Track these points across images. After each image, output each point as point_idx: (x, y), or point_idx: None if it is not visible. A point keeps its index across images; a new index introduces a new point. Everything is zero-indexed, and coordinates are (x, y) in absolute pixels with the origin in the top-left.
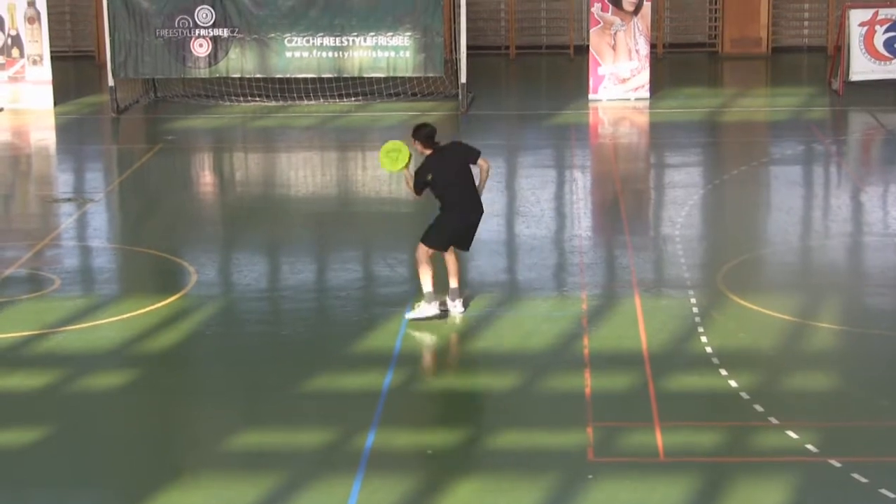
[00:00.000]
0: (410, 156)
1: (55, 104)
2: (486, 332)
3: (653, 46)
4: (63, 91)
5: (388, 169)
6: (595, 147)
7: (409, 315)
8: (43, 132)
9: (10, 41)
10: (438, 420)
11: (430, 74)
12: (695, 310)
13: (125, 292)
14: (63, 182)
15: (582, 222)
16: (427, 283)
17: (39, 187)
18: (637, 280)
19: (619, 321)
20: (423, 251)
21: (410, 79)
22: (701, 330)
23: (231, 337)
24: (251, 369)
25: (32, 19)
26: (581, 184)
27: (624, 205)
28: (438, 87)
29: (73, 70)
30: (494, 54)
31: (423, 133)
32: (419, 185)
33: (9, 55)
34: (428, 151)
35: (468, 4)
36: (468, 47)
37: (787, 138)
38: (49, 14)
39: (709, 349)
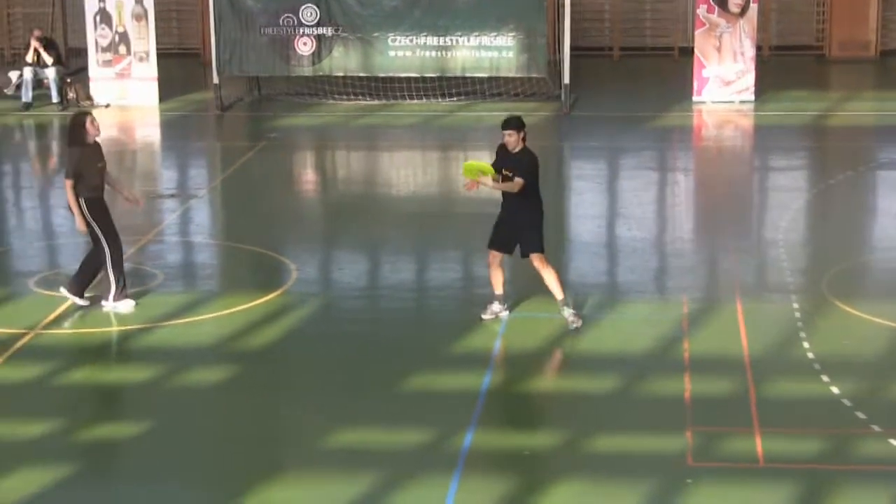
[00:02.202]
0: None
1: (160, 101)
2: (585, 334)
3: (758, 48)
4: (168, 88)
5: (469, 175)
6: (698, 150)
7: (573, 326)
8: (148, 128)
9: (117, 38)
10: (536, 422)
11: (533, 75)
12: (797, 315)
13: (226, 288)
14: (167, 178)
15: (684, 225)
16: (560, 288)
17: (144, 183)
18: (739, 284)
19: (720, 325)
20: (542, 259)
21: (513, 79)
22: (803, 335)
23: (330, 335)
24: (350, 368)
25: (140, 17)
26: (684, 186)
27: (727, 208)
28: (541, 88)
29: (179, 67)
30: (598, 55)
31: (521, 121)
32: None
33: (116, 52)
34: (521, 145)
35: (572, 5)
36: (572, 48)
37: (894, 143)
38: (156, 11)
39: (811, 355)
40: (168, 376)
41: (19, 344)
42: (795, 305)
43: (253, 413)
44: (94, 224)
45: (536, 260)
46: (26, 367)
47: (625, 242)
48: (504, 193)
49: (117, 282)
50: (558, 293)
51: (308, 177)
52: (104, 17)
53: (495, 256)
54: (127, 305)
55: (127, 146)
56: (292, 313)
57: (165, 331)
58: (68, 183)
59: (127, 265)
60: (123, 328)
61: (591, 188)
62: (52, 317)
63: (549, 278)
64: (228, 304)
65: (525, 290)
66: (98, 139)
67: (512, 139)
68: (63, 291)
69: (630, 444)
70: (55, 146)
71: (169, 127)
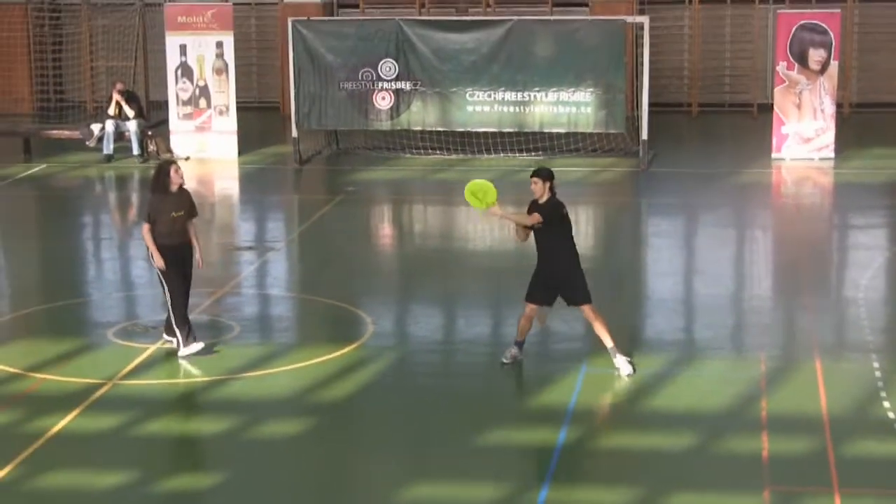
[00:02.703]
0: (496, 194)
1: (240, 154)
2: (661, 390)
3: (839, 105)
4: (248, 141)
5: (475, 206)
6: (777, 207)
7: (626, 373)
8: (227, 181)
9: (198, 92)
10: (612, 478)
11: (612, 131)
12: (878, 374)
13: (303, 341)
14: (245, 231)
15: (762, 283)
16: (609, 336)
17: (222, 235)
18: (818, 342)
19: (798, 384)
20: (592, 308)
21: (591, 134)
22: (883, 395)
23: (405, 388)
24: (424, 421)
25: (220, 71)
26: (762, 244)
27: (805, 266)
28: (619, 144)
29: (258, 120)
30: (676, 111)
31: (549, 172)
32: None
33: (196, 105)
34: (548, 195)
35: (651, 61)
36: (650, 104)
37: None
38: (236, 65)
39: (891, 414)
40: (243, 428)
41: (97, 394)
42: (875, 364)
43: (327, 465)
44: (158, 271)
45: (587, 310)
46: (104, 418)
47: (702, 299)
48: (537, 245)
49: (181, 329)
50: (608, 341)
51: (385, 230)
52: (185, 70)
53: (533, 309)
54: (196, 347)
55: (206, 199)
56: (368, 366)
57: (241, 383)
58: (145, 226)
59: (203, 317)
60: (200, 380)
61: (669, 245)
62: (129, 367)
63: (600, 327)
64: (304, 356)
65: (601, 346)
66: (182, 188)
67: (537, 187)
68: (165, 338)
69: (707, 503)
70: (135, 198)
71: (248, 180)
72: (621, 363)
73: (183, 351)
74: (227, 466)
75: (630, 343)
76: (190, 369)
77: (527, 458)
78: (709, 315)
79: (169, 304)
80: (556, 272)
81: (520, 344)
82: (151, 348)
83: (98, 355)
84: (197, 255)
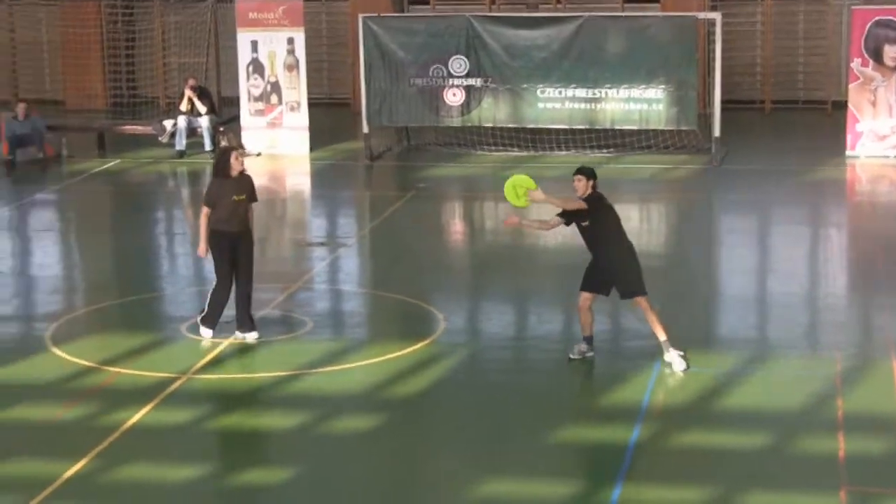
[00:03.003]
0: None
1: (311, 150)
2: (735, 389)
3: None
4: (318, 137)
5: (514, 203)
6: (852, 205)
7: (678, 368)
8: (298, 177)
9: (269, 88)
10: (686, 477)
11: (683, 128)
12: None
13: (374, 337)
14: (316, 226)
15: (837, 280)
16: (662, 329)
17: (293, 231)
18: (893, 341)
19: (874, 383)
20: (646, 301)
21: (663, 132)
22: None
23: (477, 385)
24: (496, 418)
25: (291, 67)
26: (836, 241)
27: (881, 264)
28: (691, 141)
29: (329, 117)
30: (749, 108)
31: (593, 171)
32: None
33: (268, 101)
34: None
35: (723, 58)
36: (722, 101)
37: None
38: (307, 62)
39: None
40: (316, 423)
41: (171, 388)
42: None
43: (399, 461)
44: (212, 255)
45: (640, 302)
46: (178, 412)
47: (776, 297)
48: (586, 241)
49: (209, 309)
50: (661, 334)
51: (456, 227)
52: (257, 67)
53: (587, 299)
54: (205, 333)
55: (277, 195)
56: (440, 363)
57: (314, 378)
58: (204, 211)
59: (276, 312)
60: (273, 374)
61: (742, 242)
62: (203, 362)
63: (653, 320)
64: (376, 352)
65: (674, 344)
66: (244, 174)
67: (580, 185)
68: (237, 335)
69: (782, 503)
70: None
71: (319, 176)
72: (674, 358)
73: (202, 329)
74: (299, 461)
75: (703, 341)
76: (264, 364)
77: (599, 456)
78: (783, 313)
79: (213, 289)
80: (607, 265)
81: (588, 339)
82: (224, 343)
83: (172, 349)
84: (251, 244)
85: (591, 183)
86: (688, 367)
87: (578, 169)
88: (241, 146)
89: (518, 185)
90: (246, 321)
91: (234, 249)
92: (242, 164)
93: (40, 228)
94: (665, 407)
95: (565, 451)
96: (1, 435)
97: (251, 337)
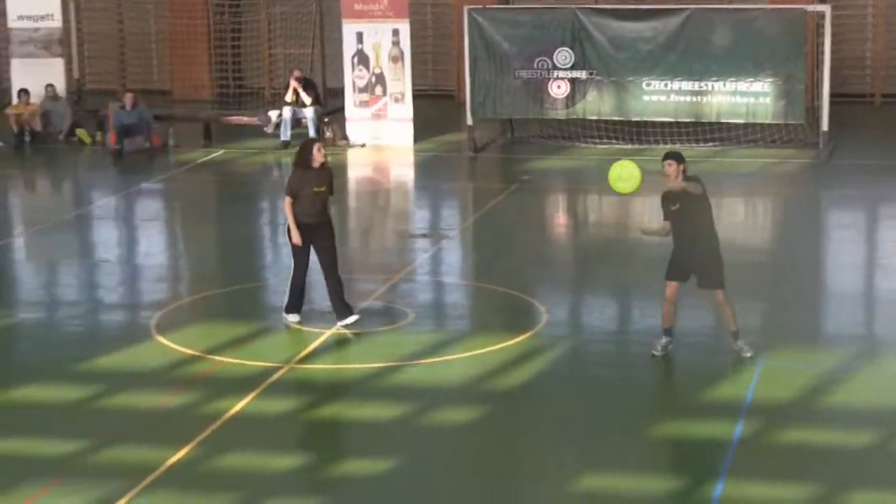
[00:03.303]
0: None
1: (415, 141)
2: (841, 386)
3: None
4: (422, 128)
5: (625, 191)
6: None
7: (747, 355)
8: (402, 168)
9: (373, 79)
10: (789, 474)
11: (790, 122)
12: None
13: (476, 329)
14: (420, 218)
15: None
16: (734, 322)
17: (396, 222)
18: None
19: None
20: (724, 294)
21: (769, 125)
22: None
23: (579, 378)
24: (598, 412)
25: (396, 58)
26: None
27: None
28: (798, 135)
29: (433, 108)
30: (858, 102)
31: (682, 156)
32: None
33: (372, 93)
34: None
35: (832, 51)
36: (831, 94)
37: None
38: (412, 53)
39: None
40: (416, 415)
41: (273, 378)
42: None
43: (499, 453)
44: (289, 243)
45: (720, 295)
46: (280, 401)
47: (884, 294)
48: (679, 226)
49: (289, 296)
50: (732, 325)
51: (559, 219)
52: (362, 58)
53: (675, 288)
54: (291, 318)
55: (381, 186)
56: (541, 355)
57: (415, 369)
58: (287, 200)
59: (378, 304)
60: (374, 365)
61: (849, 237)
62: (305, 352)
63: (729, 313)
64: (478, 344)
65: (779, 340)
66: (325, 166)
67: (672, 169)
68: (338, 325)
69: (886, 501)
70: None
71: (422, 167)
72: (743, 346)
73: (288, 317)
74: (399, 453)
75: (809, 338)
76: (365, 355)
77: (702, 452)
78: (890, 310)
79: (291, 274)
80: (698, 252)
81: (668, 331)
82: (327, 333)
83: (274, 339)
84: (331, 236)
85: (681, 167)
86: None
87: (669, 154)
88: (345, 137)
89: (624, 168)
90: (342, 309)
91: (312, 239)
92: (324, 156)
93: (146, 218)
94: (769, 403)
95: (667, 446)
96: (106, 422)
97: (350, 320)
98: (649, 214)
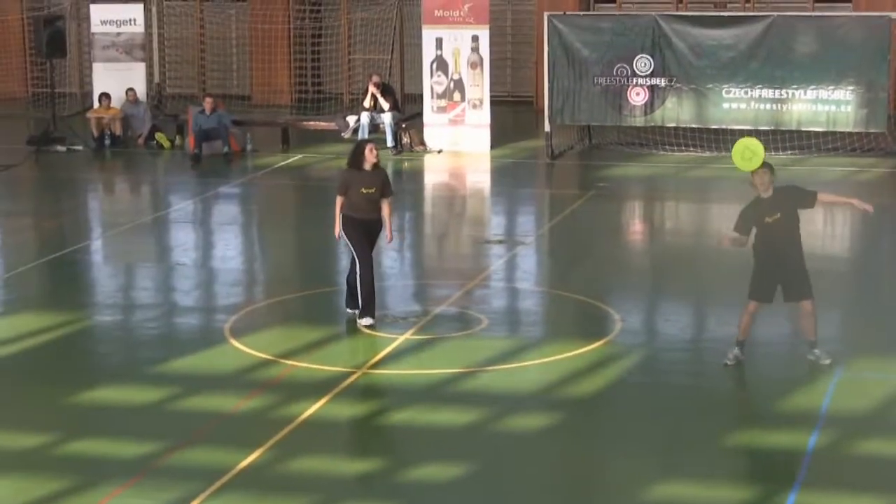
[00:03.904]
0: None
1: (492, 147)
2: None
3: None
4: (500, 135)
5: (747, 168)
6: None
7: (825, 362)
8: (479, 174)
9: (452, 85)
10: (864, 485)
11: (872, 130)
12: None
13: (550, 335)
14: (495, 224)
15: None
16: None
17: (473, 228)
18: None
19: None
20: (813, 303)
21: (850, 134)
22: None
23: (653, 386)
24: (672, 420)
25: (475, 64)
26: None
27: None
28: (880, 144)
29: (511, 114)
30: None
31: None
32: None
33: (451, 98)
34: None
35: None
36: None
37: None
38: (491, 59)
39: None
40: (490, 421)
41: (346, 382)
42: None
43: (572, 461)
44: (346, 239)
45: (810, 304)
46: (353, 406)
47: None
48: (771, 238)
49: (362, 296)
50: (813, 335)
51: (636, 227)
52: (440, 64)
53: (757, 307)
54: (366, 322)
55: (458, 191)
56: (616, 363)
57: (489, 375)
58: (338, 198)
59: (452, 309)
60: (448, 371)
61: None
62: (379, 357)
63: (813, 322)
64: (552, 351)
65: (856, 350)
66: (377, 167)
67: (767, 178)
68: (360, 323)
69: None
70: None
71: (499, 173)
72: (821, 355)
73: (361, 321)
74: (473, 459)
75: (887, 347)
76: (439, 360)
77: (776, 462)
78: None
79: (357, 270)
80: (789, 266)
81: (741, 343)
82: (400, 338)
83: (348, 344)
84: (386, 232)
85: (774, 176)
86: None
87: (764, 164)
88: (422, 143)
89: (748, 148)
90: (354, 302)
91: (369, 234)
92: (377, 157)
93: (223, 222)
94: (845, 413)
95: (741, 455)
96: (180, 424)
97: (365, 322)
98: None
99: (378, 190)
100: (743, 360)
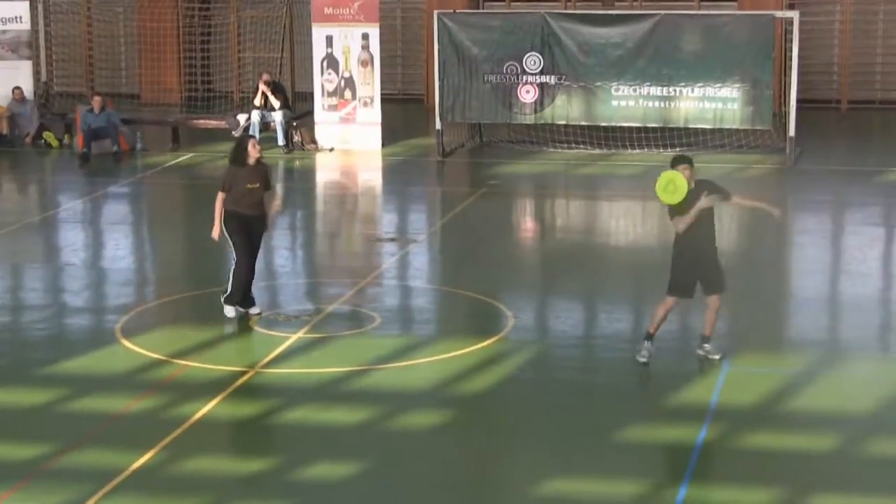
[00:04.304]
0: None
1: (383, 145)
2: (805, 390)
3: None
4: (391, 133)
5: (669, 202)
6: None
7: (716, 356)
8: (370, 172)
9: (342, 83)
10: (753, 478)
11: (758, 127)
12: None
13: (443, 333)
14: (387, 222)
15: None
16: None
17: (365, 226)
18: None
19: None
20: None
21: (737, 131)
22: None
23: (545, 383)
24: (564, 416)
25: (365, 62)
26: None
27: None
28: (765, 140)
29: (402, 113)
30: (825, 108)
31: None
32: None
33: (341, 97)
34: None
35: (800, 57)
36: (798, 100)
37: None
38: (381, 58)
39: None
40: (383, 419)
41: (239, 382)
42: None
43: (465, 458)
44: (227, 236)
45: (718, 299)
46: (245, 405)
47: (849, 298)
48: (692, 231)
49: (232, 287)
50: (708, 330)
51: (527, 224)
52: (331, 62)
53: (676, 302)
54: (229, 311)
55: (349, 190)
56: (508, 360)
57: (382, 373)
58: (219, 195)
59: (345, 308)
60: (341, 370)
61: (815, 243)
62: (271, 356)
63: (714, 318)
64: (445, 349)
65: (744, 344)
66: (260, 162)
67: (688, 173)
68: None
69: None
70: (279, 188)
71: (391, 171)
72: (711, 349)
73: (226, 308)
74: (366, 457)
75: (773, 342)
76: (331, 359)
77: (666, 456)
78: (855, 315)
79: (233, 268)
80: (709, 256)
81: (651, 337)
82: (292, 337)
83: (240, 343)
84: (268, 223)
85: (694, 170)
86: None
87: (682, 158)
88: (313, 141)
89: (672, 182)
90: (241, 298)
91: (250, 231)
92: (259, 153)
93: (113, 221)
94: (733, 407)
95: (632, 450)
96: (71, 426)
97: (230, 312)
98: (616, 219)
99: (262, 185)
100: (655, 355)
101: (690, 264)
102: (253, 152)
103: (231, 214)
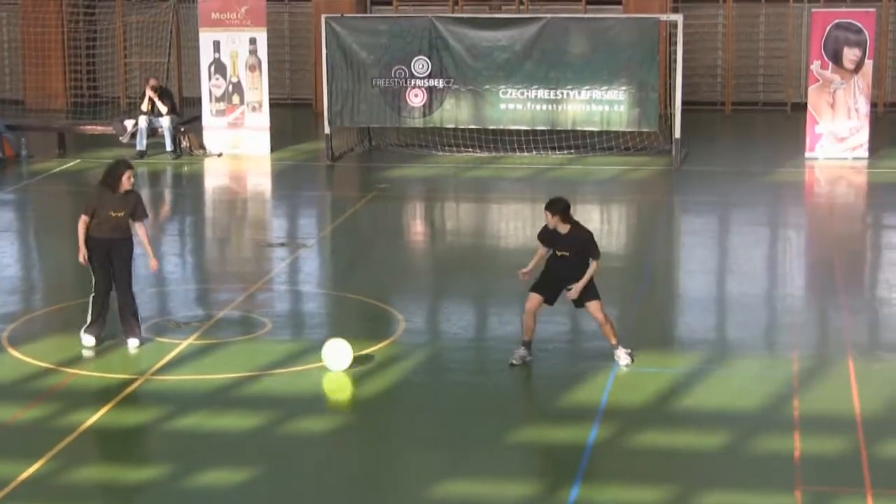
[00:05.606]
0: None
1: (272, 150)
2: (693, 389)
3: (873, 105)
4: (280, 138)
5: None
6: (810, 206)
7: (625, 363)
8: (259, 177)
9: (230, 88)
10: (644, 477)
11: (644, 129)
12: None
13: (334, 337)
14: (277, 227)
15: (795, 282)
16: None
17: (254, 231)
18: (851, 342)
19: (831, 384)
20: (600, 306)
21: (624, 133)
22: None
23: (437, 386)
24: (456, 418)
25: (253, 67)
26: (795, 243)
27: (839, 265)
28: (652, 142)
29: (291, 117)
30: (710, 110)
31: (562, 204)
32: None
33: (229, 101)
34: (565, 226)
35: (684, 60)
36: (683, 102)
37: None
38: (269, 62)
39: None
40: (275, 424)
41: (129, 389)
42: None
43: (358, 462)
44: (89, 261)
45: (595, 308)
46: (136, 413)
47: (735, 298)
48: (565, 268)
49: (92, 315)
50: (613, 337)
51: (417, 228)
52: (219, 67)
53: (539, 302)
54: (87, 340)
55: (238, 195)
56: (400, 363)
57: (273, 379)
58: (82, 218)
59: (235, 313)
60: (232, 376)
61: (701, 243)
62: (161, 363)
63: (607, 325)
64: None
65: (633, 345)
66: (131, 192)
67: (550, 219)
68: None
69: (738, 502)
70: (168, 194)
71: (280, 176)
72: (623, 355)
73: (82, 333)
74: (260, 462)
75: (661, 342)
76: (221, 366)
77: (558, 457)
78: (741, 314)
79: (93, 290)
80: (571, 276)
81: (528, 344)
82: (183, 344)
83: (130, 351)
84: (151, 261)
85: (557, 217)
86: (633, 361)
87: (549, 203)
88: (202, 147)
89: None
90: (131, 327)
91: (107, 255)
92: (132, 185)
93: None
94: (623, 407)
95: (524, 451)
96: None
97: (131, 345)
98: (505, 222)
99: (127, 214)
100: (529, 360)
101: (554, 270)
102: (126, 184)
103: (90, 240)
